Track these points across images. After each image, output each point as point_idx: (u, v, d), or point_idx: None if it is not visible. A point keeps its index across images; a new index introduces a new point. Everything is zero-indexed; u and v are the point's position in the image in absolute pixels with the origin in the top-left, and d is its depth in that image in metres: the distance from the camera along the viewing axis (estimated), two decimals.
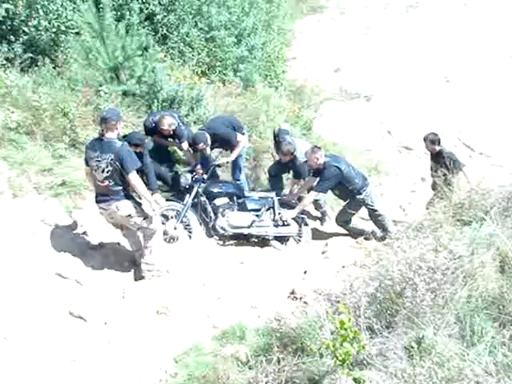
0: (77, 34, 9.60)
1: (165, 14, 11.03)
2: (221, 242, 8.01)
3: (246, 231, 8.02)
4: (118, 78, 9.43)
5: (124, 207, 6.37)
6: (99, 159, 6.21)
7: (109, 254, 7.00)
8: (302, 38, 16.96)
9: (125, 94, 9.34)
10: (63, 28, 9.37)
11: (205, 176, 8.05)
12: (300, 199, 8.38)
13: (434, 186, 8.11)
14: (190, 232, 7.80)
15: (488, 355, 3.66)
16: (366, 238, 8.38)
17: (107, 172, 6.21)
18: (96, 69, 9.31)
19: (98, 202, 6.49)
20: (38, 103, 8.05)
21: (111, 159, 6.16)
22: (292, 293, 6.63)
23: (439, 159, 8.19)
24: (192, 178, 7.97)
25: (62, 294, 6.04)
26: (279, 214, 8.15)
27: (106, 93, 8.89)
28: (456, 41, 16.55)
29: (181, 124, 8.26)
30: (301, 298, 6.43)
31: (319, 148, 8.04)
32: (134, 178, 6.27)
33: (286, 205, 8.29)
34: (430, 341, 3.76)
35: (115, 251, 7.10)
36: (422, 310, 4.03)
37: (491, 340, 3.77)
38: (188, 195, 7.84)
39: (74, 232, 7.12)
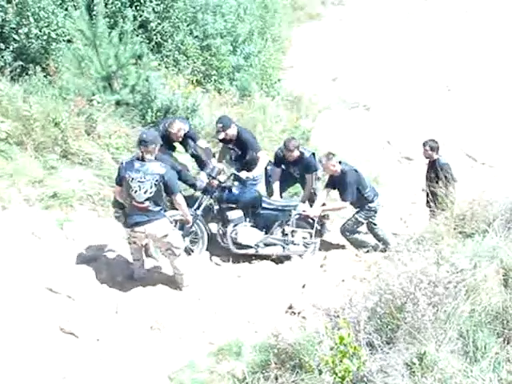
0: (68, 41, 9.63)
1: (159, 21, 11.07)
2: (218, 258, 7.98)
3: (251, 252, 8.00)
4: (111, 87, 9.46)
5: (163, 226, 6.55)
6: (142, 180, 6.34)
7: (101, 268, 6.98)
8: (299, 45, 17.02)
9: (118, 103, 9.36)
10: (54, 36, 9.41)
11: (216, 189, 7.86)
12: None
13: (427, 200, 8.11)
14: (194, 244, 7.74)
15: (492, 372, 3.66)
16: (366, 251, 8.38)
17: (150, 193, 6.37)
18: (88, 78, 9.34)
19: (132, 225, 6.54)
20: (28, 113, 8.07)
21: (156, 180, 6.33)
22: (290, 307, 6.60)
23: (434, 169, 8.23)
24: (205, 189, 7.78)
25: (53, 309, 6.01)
26: (292, 231, 8.14)
27: (98, 102, 8.91)
28: (457, 49, 16.66)
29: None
30: (299, 313, 6.40)
31: (334, 154, 8.08)
32: (180, 198, 6.69)
33: (304, 220, 8.25)
34: (432, 357, 3.76)
35: (108, 265, 7.08)
36: (423, 325, 4.03)
37: (495, 356, 3.78)
38: (198, 205, 7.72)
39: (66, 245, 7.11)
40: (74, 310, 6.11)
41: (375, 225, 8.44)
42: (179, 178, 7.42)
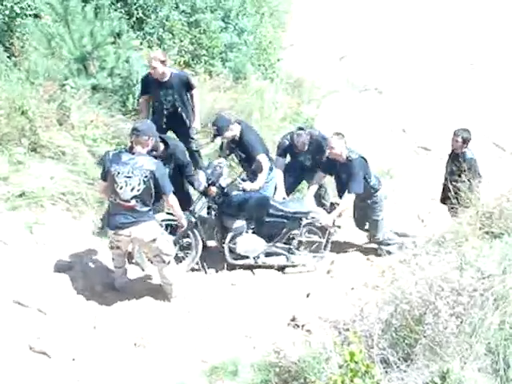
0: (36, 16, 9.59)
1: None
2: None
3: (250, 262, 7.99)
4: (87, 69, 9.43)
5: (151, 230, 6.56)
6: (130, 175, 6.34)
7: (77, 277, 6.96)
8: (301, 20, 17.01)
9: (94, 88, 9.33)
10: (18, 10, 9.32)
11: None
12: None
13: (445, 195, 8.13)
14: (185, 252, 7.72)
15: None
16: (378, 255, 8.41)
17: (138, 191, 6.38)
18: (60, 59, 9.31)
19: (116, 227, 6.53)
20: None
21: (145, 177, 6.34)
22: (293, 320, 6.62)
23: (457, 161, 8.24)
24: (203, 191, 7.69)
25: (22, 325, 5.98)
26: (299, 242, 8.13)
27: (72, 87, 8.88)
28: (481, 21, 16.65)
29: None
30: (303, 326, 6.42)
31: (343, 136, 8.10)
32: (173, 199, 6.71)
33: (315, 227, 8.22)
34: (457, 375, 3.76)
35: (85, 274, 7.07)
36: (445, 338, 4.03)
37: None
38: (193, 208, 7.70)
39: (36, 252, 7.09)
40: (46, 325, 6.09)
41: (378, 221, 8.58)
42: (183, 173, 7.51)
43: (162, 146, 7.44)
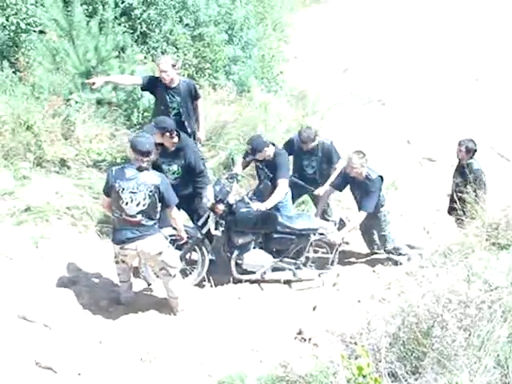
0: (41, 32, 9.62)
1: (144, 8, 11.05)
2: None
3: (256, 277, 7.96)
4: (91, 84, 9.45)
5: (157, 243, 6.56)
6: (135, 191, 6.35)
7: (82, 291, 6.95)
8: (304, 33, 17.07)
9: (99, 102, 9.35)
10: (24, 26, 9.37)
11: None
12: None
13: (451, 206, 8.13)
14: (192, 267, 7.70)
15: None
16: (385, 265, 8.40)
17: (143, 206, 6.38)
18: (65, 74, 9.33)
19: (122, 242, 6.53)
20: None
21: (150, 191, 6.36)
22: (299, 333, 6.59)
23: (463, 173, 8.23)
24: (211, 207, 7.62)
25: (27, 340, 5.96)
26: (306, 257, 8.11)
27: (77, 102, 8.91)
28: (485, 33, 16.67)
29: None
30: (310, 339, 6.39)
31: (364, 154, 8.10)
32: (176, 212, 6.74)
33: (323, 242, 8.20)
34: None
35: (90, 288, 7.07)
36: (453, 351, 4.00)
37: None
38: (202, 223, 7.69)
39: (41, 266, 7.08)
40: (52, 340, 6.07)
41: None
42: (192, 175, 7.57)
43: (175, 139, 7.48)
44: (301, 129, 8.60)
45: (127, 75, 9.14)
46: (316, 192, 8.66)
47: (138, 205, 6.37)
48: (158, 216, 6.55)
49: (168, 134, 7.37)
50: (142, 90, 8.64)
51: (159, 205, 6.47)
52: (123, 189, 6.35)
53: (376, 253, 8.75)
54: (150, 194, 6.36)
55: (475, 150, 8.31)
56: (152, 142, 6.63)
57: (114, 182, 6.40)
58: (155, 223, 6.55)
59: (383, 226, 8.44)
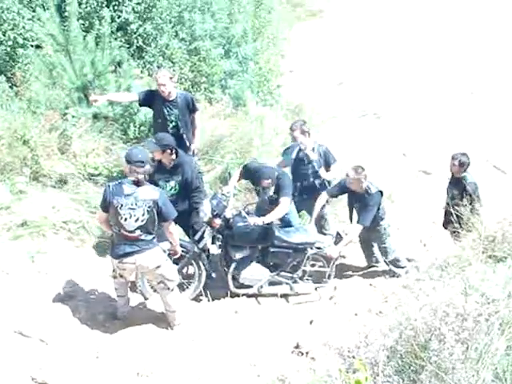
0: (37, 47, 9.66)
1: (140, 23, 11.12)
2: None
3: (253, 291, 7.95)
4: (88, 98, 9.46)
5: (155, 257, 6.56)
6: (133, 207, 6.35)
7: (79, 306, 6.94)
8: (300, 47, 17.13)
9: (95, 117, 9.37)
10: (21, 40, 9.42)
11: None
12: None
13: (447, 219, 8.16)
14: (190, 283, 7.68)
15: None
16: (382, 277, 8.43)
17: (142, 221, 6.38)
18: (61, 88, 9.36)
19: (120, 256, 6.52)
20: None
21: (149, 207, 6.36)
22: (297, 347, 6.58)
23: (458, 186, 8.24)
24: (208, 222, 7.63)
25: (23, 355, 5.93)
26: (303, 271, 8.10)
27: (73, 116, 8.93)
28: (480, 46, 16.74)
29: None
30: (307, 353, 6.39)
31: (363, 168, 8.13)
32: (173, 227, 6.79)
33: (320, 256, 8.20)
34: None
35: (87, 303, 7.05)
36: (451, 365, 3.99)
37: None
38: (199, 237, 7.66)
39: (38, 281, 7.06)
40: (48, 355, 6.05)
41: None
42: (189, 190, 7.56)
43: (174, 155, 7.50)
44: (291, 125, 8.68)
45: (124, 92, 9.16)
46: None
47: (136, 220, 6.36)
48: (156, 229, 6.55)
49: (169, 151, 7.39)
50: (140, 105, 8.65)
51: (157, 219, 6.47)
52: (122, 205, 6.34)
53: (373, 266, 8.76)
54: (149, 209, 6.36)
55: (468, 164, 8.31)
56: (146, 153, 6.65)
57: (113, 199, 6.37)
58: (154, 237, 6.54)
59: (383, 239, 8.46)
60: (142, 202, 6.34)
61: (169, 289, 6.71)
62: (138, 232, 6.40)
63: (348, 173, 8.13)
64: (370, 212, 8.13)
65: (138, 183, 6.39)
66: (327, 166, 8.67)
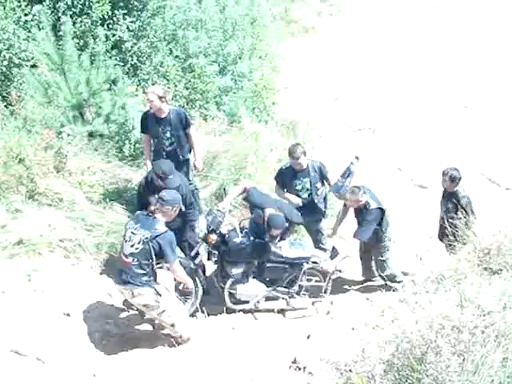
0: (33, 66, 9.68)
1: (135, 41, 11.13)
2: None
3: (250, 307, 7.94)
4: (83, 116, 9.51)
5: (142, 296, 6.57)
6: (135, 232, 6.50)
7: (76, 324, 6.92)
8: (294, 63, 17.18)
9: (91, 135, 9.39)
10: (16, 60, 9.44)
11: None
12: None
13: (442, 232, 8.20)
14: (186, 299, 7.64)
15: None
16: (378, 291, 8.43)
17: (136, 249, 6.46)
18: (56, 107, 9.38)
19: (117, 283, 6.75)
20: None
21: (146, 238, 6.43)
22: (294, 362, 6.55)
23: (451, 200, 8.27)
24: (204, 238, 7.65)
25: (20, 375, 5.91)
26: (300, 286, 8.10)
27: (68, 135, 8.93)
28: (473, 62, 16.82)
29: None
30: (304, 368, 6.35)
31: (358, 188, 8.15)
32: (177, 266, 6.76)
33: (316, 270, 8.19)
34: None
35: (84, 321, 7.02)
36: (448, 377, 4.00)
37: None
38: (195, 254, 7.69)
39: (34, 299, 7.04)
40: (45, 374, 6.02)
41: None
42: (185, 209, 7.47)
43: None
44: (290, 148, 8.57)
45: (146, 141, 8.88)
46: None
47: (132, 246, 6.48)
48: (149, 270, 6.54)
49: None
50: (143, 131, 8.65)
51: (153, 256, 6.48)
52: (129, 227, 6.58)
53: (370, 280, 8.77)
54: (145, 240, 6.43)
55: (460, 178, 8.34)
56: (174, 195, 6.79)
57: (128, 223, 6.71)
58: (146, 274, 6.54)
59: (382, 252, 8.47)
60: (142, 231, 6.46)
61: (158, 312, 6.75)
62: (130, 258, 6.49)
63: (346, 197, 8.19)
64: (368, 227, 8.14)
65: (153, 214, 6.55)
66: (323, 180, 8.69)
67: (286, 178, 8.65)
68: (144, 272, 6.51)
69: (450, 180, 8.31)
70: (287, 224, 7.87)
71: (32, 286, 7.21)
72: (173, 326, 6.80)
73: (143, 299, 6.58)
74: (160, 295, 6.61)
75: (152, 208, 6.58)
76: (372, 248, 8.51)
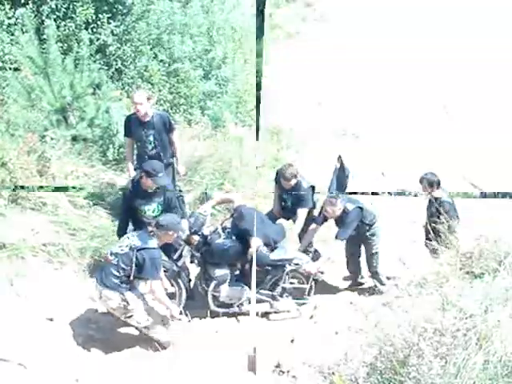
0: (16, 70, 9.64)
1: (119, 45, 11.12)
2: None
3: (234, 310, 7.95)
4: (67, 120, 9.49)
5: (108, 299, 6.64)
6: (129, 237, 6.77)
7: (59, 329, 6.89)
8: (278, 68, 17.20)
9: (74, 139, 9.37)
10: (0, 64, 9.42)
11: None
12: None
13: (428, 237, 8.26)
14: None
15: None
16: (361, 293, 8.47)
17: (121, 250, 6.63)
18: (40, 110, 9.35)
19: (95, 279, 6.82)
20: None
21: (134, 245, 6.57)
22: (277, 366, 6.56)
23: (434, 205, 8.31)
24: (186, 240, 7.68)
25: (2, 380, 5.89)
26: (283, 288, 8.11)
27: (52, 138, 8.92)
28: (456, 64, 16.90)
29: None
30: (288, 372, 6.37)
31: (335, 197, 8.20)
32: (156, 286, 6.69)
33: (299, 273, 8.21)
34: None
35: (66, 326, 6.99)
36: (430, 380, 4.02)
37: None
38: (178, 256, 7.70)
39: (16, 304, 7.00)
40: (27, 380, 5.99)
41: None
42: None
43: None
44: (282, 168, 8.59)
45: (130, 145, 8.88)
46: None
47: (119, 246, 6.66)
48: (123, 275, 6.59)
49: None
50: (126, 135, 8.62)
51: (133, 266, 6.53)
52: (130, 232, 7.01)
53: (359, 283, 8.80)
54: (132, 247, 6.56)
55: (438, 181, 8.38)
56: (174, 222, 6.88)
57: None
58: (119, 280, 6.59)
59: (374, 244, 8.59)
60: (133, 239, 6.66)
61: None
62: (113, 256, 6.63)
63: (324, 208, 8.23)
64: (348, 228, 8.19)
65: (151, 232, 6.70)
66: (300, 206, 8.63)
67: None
68: (117, 275, 6.57)
69: (428, 185, 8.36)
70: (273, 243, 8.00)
71: (15, 291, 7.17)
72: (147, 329, 6.84)
73: (109, 303, 6.63)
74: (128, 303, 6.63)
75: (149, 229, 6.74)
76: (363, 244, 8.58)
